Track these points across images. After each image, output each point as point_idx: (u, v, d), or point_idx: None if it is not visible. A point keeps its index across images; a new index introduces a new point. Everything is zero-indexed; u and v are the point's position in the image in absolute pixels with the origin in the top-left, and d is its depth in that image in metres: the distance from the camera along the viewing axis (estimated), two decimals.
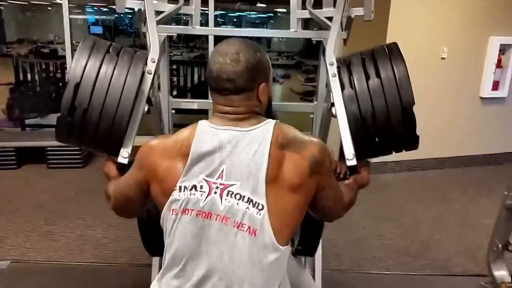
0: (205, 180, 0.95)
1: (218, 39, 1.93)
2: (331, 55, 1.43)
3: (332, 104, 1.37)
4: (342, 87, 1.35)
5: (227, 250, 0.94)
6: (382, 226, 3.15)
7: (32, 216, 3.11)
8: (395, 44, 1.36)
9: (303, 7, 2.05)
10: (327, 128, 1.81)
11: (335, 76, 1.37)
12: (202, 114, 3.92)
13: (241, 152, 0.96)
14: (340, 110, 1.34)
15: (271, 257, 0.95)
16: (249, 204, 0.93)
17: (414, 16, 3.98)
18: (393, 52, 1.33)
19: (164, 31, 1.75)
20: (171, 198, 0.98)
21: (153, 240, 1.38)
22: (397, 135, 1.31)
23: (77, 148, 4.04)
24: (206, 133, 0.99)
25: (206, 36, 4.51)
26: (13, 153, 4.01)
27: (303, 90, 8.30)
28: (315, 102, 2.25)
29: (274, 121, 1.03)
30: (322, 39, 1.85)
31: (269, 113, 1.68)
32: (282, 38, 10.14)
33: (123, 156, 1.28)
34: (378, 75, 1.30)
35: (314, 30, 2.26)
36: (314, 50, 2.20)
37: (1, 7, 14.43)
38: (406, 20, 3.92)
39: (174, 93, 5.70)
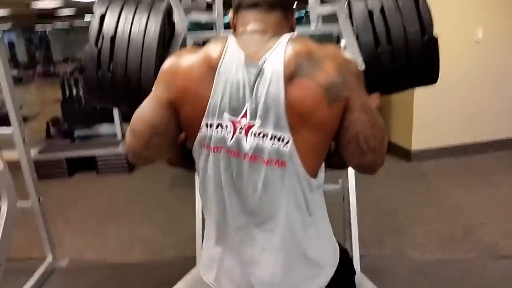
0: (230, 119, 0.92)
1: None
2: (342, 10, 1.38)
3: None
4: (352, 13, 1.25)
5: (261, 183, 0.93)
6: (425, 212, 3.11)
7: (85, 219, 3.32)
8: None
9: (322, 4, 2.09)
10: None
11: (347, 16, 1.31)
12: None
13: (260, 87, 0.90)
14: (347, 33, 1.24)
15: (303, 186, 0.94)
16: (273, 140, 0.90)
17: None
18: None
19: (190, 39, 1.84)
20: (199, 134, 0.95)
21: None
22: (412, 34, 1.16)
23: (124, 154, 4.26)
24: (232, 61, 0.92)
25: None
26: (64, 163, 4.28)
27: None
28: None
29: (287, 39, 0.92)
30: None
31: None
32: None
33: None
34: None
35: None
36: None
37: (47, 32, 15.30)
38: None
39: None
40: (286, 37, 0.93)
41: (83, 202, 3.70)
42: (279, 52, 0.90)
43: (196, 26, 2.43)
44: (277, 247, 0.98)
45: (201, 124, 0.93)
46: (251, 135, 0.91)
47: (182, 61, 0.96)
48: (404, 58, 1.19)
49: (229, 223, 1.00)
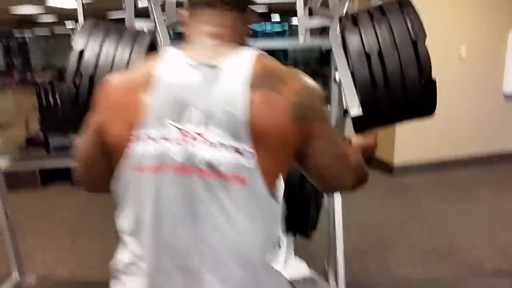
0: (174, 127, 0.77)
1: None
2: (334, 30, 1.34)
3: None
4: (345, 35, 1.21)
5: (219, 207, 0.78)
6: (408, 228, 3.07)
7: (57, 233, 3.18)
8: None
9: (311, 17, 2.05)
10: (342, 134, 1.79)
11: (340, 45, 1.27)
12: None
13: (216, 92, 0.78)
14: (342, 67, 1.21)
15: (266, 207, 0.81)
16: (234, 152, 0.76)
17: (428, 16, 3.88)
18: (402, 1, 1.21)
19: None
20: (128, 154, 0.79)
21: None
22: (409, 78, 1.13)
23: None
24: (175, 66, 0.81)
25: None
26: (37, 174, 4.14)
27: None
28: (329, 107, 2.23)
29: (255, 51, 0.84)
30: (330, 47, 1.84)
31: None
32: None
33: None
34: (384, 15, 1.17)
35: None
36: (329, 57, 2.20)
37: (26, 39, 15.03)
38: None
39: None
40: (251, 49, 0.84)
41: (56, 215, 3.54)
42: (245, 58, 0.81)
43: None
44: None
45: (132, 140, 0.78)
46: (205, 145, 0.76)
47: (120, 76, 0.85)
48: (402, 100, 1.17)
49: (165, 266, 0.80)
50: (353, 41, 1.17)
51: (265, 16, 11.15)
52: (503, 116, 4.37)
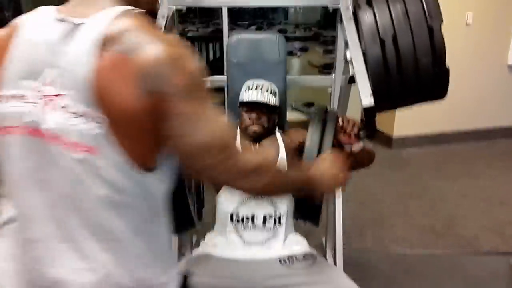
0: (31, 86, 0.72)
1: (232, 12, 1.85)
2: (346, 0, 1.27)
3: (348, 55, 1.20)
4: (358, 16, 1.15)
5: (65, 176, 0.72)
6: (406, 203, 3.05)
7: None
8: None
9: None
10: (346, 102, 1.71)
11: (351, 19, 1.21)
12: (217, 91, 3.85)
13: (70, 51, 0.71)
14: (354, 48, 1.16)
15: (125, 179, 0.73)
16: (83, 118, 0.69)
17: None
18: None
19: (172, 3, 1.65)
20: None
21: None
22: (423, 65, 1.09)
23: None
24: (40, 20, 0.75)
25: (221, 10, 4.37)
26: None
27: (322, 63, 8.08)
28: (333, 75, 2.13)
29: (129, 10, 0.75)
30: (338, 6, 1.72)
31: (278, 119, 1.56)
32: (299, 9, 9.88)
33: None
34: (403, 8, 1.10)
35: None
36: (332, 20, 2.09)
37: None
38: None
39: None
40: (124, 8, 0.75)
41: None
42: (108, 15, 0.72)
43: None
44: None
45: None
46: (55, 109, 0.70)
47: None
48: (414, 86, 1.13)
49: (25, 233, 0.77)
50: (367, 23, 1.11)
51: None
52: (507, 89, 4.28)
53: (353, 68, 1.18)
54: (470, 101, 4.14)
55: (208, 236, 1.62)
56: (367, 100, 1.11)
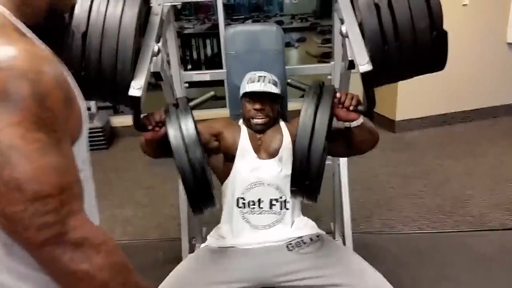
0: None
1: (228, 7, 1.86)
2: None
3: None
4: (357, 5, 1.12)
5: None
6: (411, 185, 3.07)
7: None
8: None
9: None
10: (346, 89, 1.73)
11: None
12: (216, 85, 3.87)
13: None
14: (349, 20, 1.13)
15: None
16: None
17: None
18: None
19: (167, 0, 1.67)
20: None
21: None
22: (420, 30, 1.06)
23: (100, 129, 4.07)
24: None
25: (216, 5, 4.39)
26: None
27: (320, 52, 8.08)
28: (332, 63, 2.15)
29: None
30: None
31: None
32: None
33: (134, 87, 1.09)
34: None
35: None
36: (328, 9, 2.10)
37: None
38: None
39: (189, 67, 5.64)
40: None
41: None
42: None
43: None
44: None
45: None
46: None
47: None
48: (412, 53, 1.09)
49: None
50: None
51: None
52: (507, 67, 4.27)
53: (349, 43, 1.14)
54: (471, 80, 4.14)
55: (216, 229, 1.65)
56: (365, 67, 1.07)
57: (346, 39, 1.16)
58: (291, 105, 2.01)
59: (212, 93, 1.32)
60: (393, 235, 2.50)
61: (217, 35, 4.99)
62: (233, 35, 1.91)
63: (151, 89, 1.26)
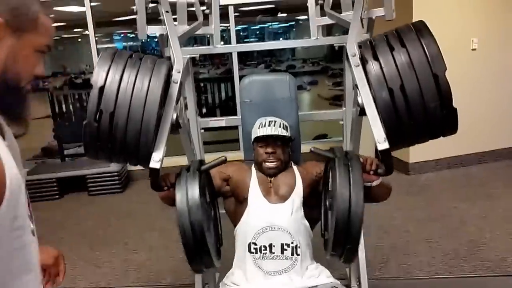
0: None
1: (242, 53, 1.96)
2: (352, 47, 1.34)
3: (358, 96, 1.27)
4: (366, 68, 1.24)
5: None
6: (427, 228, 3.03)
7: (76, 244, 3.19)
8: (420, 21, 1.26)
9: (322, 13, 2.05)
10: (358, 133, 1.77)
11: (358, 65, 1.28)
12: (232, 129, 3.95)
13: None
14: (366, 96, 1.24)
15: None
16: None
17: (439, 9, 3.86)
18: (419, 27, 1.24)
19: (186, 53, 1.77)
20: None
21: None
22: (431, 109, 1.16)
23: (115, 173, 4.15)
24: None
25: (231, 53, 4.56)
26: (54, 184, 4.15)
27: (332, 95, 8.21)
28: (344, 108, 2.21)
29: None
30: (344, 44, 1.82)
31: None
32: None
33: (155, 160, 1.23)
34: (403, 47, 1.19)
35: (336, 35, 2.24)
36: (339, 53, 2.20)
37: None
38: (431, 14, 3.80)
39: (204, 110, 5.77)
40: None
41: (74, 225, 3.57)
42: None
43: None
44: None
45: None
46: None
47: None
48: (425, 127, 1.21)
49: None
50: (374, 74, 1.20)
51: (272, 13, 11.13)
52: None
53: (364, 107, 1.25)
54: (485, 122, 4.16)
55: (228, 275, 1.66)
56: (383, 145, 1.20)
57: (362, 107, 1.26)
58: (305, 147, 2.05)
59: (223, 158, 1.42)
60: (410, 281, 2.45)
61: (231, 79, 5.16)
62: (248, 84, 1.99)
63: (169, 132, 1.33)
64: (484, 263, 2.56)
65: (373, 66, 1.20)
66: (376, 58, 1.21)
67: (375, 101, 1.21)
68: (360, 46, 1.31)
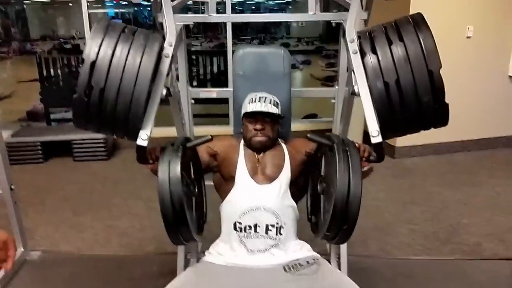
0: None
1: (236, 27, 1.92)
2: (351, 33, 1.36)
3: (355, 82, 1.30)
4: (363, 60, 1.27)
5: None
6: (409, 211, 3.09)
7: (60, 208, 3.18)
8: (418, 13, 1.29)
9: None
10: (349, 113, 1.77)
11: (356, 52, 1.30)
12: (222, 103, 3.92)
13: None
14: (362, 86, 1.27)
15: None
16: None
17: None
18: (417, 20, 1.26)
19: (180, 20, 1.73)
20: None
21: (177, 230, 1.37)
22: (424, 103, 1.22)
23: (101, 140, 4.11)
24: None
25: (225, 25, 4.48)
26: (39, 148, 4.10)
27: (324, 76, 8.19)
28: (336, 87, 2.21)
29: None
30: (341, 21, 1.80)
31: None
32: (302, 23, 10.00)
33: (142, 138, 1.25)
34: (401, 41, 1.23)
35: (334, 11, 2.21)
36: (334, 34, 2.18)
37: (25, 6, 14.73)
38: (427, 1, 3.78)
39: (195, 83, 5.70)
40: None
41: (58, 190, 3.55)
42: None
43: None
44: None
45: None
46: None
47: None
48: (417, 119, 1.26)
49: None
50: (371, 67, 1.25)
51: None
52: (508, 99, 4.34)
53: (359, 95, 1.29)
54: (472, 111, 4.19)
55: (213, 245, 1.67)
56: (377, 138, 1.25)
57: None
58: (295, 126, 2.05)
59: (209, 137, 1.44)
60: (389, 260, 2.51)
61: (224, 54, 5.07)
62: (242, 56, 1.97)
63: (159, 103, 1.32)
64: (461, 246, 2.63)
65: (371, 59, 1.24)
66: (374, 51, 1.25)
67: (371, 93, 1.25)
68: (359, 36, 1.33)
